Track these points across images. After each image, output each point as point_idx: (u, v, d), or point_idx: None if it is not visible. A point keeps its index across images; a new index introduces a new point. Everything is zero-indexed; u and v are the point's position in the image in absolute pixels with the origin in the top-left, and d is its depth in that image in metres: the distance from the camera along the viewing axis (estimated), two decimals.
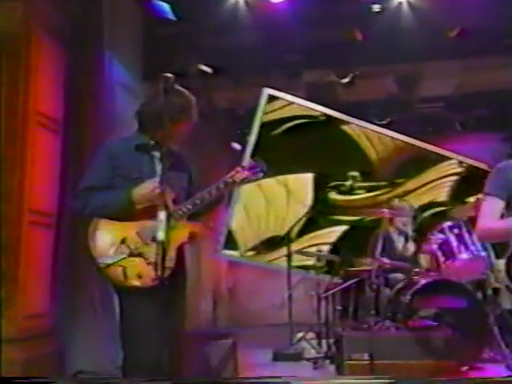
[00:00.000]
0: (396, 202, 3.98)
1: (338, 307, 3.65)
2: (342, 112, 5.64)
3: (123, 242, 2.10)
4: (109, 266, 2.09)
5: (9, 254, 3.44)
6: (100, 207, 2.13)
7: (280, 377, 2.66)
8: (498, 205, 2.13)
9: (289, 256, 3.90)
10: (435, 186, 5.31)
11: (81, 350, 3.72)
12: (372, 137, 5.45)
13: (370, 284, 3.37)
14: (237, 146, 6.26)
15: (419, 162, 5.44)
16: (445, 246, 3.37)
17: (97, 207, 2.14)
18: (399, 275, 3.61)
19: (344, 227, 5.34)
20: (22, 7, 3.59)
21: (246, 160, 5.19)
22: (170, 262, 2.08)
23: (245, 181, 2.23)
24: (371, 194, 5.31)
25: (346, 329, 3.38)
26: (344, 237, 5.31)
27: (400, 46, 4.71)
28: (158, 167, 2.19)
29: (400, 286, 3.44)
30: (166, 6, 4.62)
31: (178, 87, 2.23)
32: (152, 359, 2.03)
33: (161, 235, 1.84)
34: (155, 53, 5.00)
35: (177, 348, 2.20)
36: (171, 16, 4.67)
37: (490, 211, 2.15)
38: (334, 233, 5.35)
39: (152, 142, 2.23)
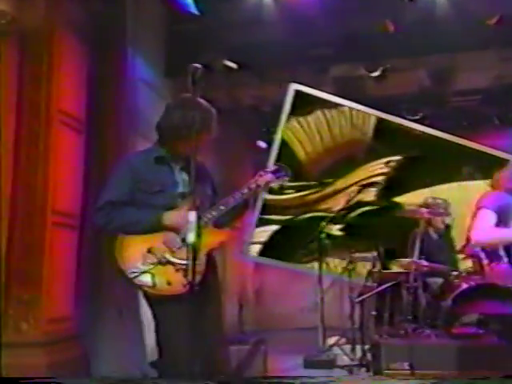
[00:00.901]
0: (433, 200, 3.71)
1: (373, 312, 3.43)
2: (371, 107, 5.42)
3: (149, 251, 2.07)
4: (138, 275, 2.05)
5: (32, 256, 3.39)
6: (125, 225, 2.11)
7: (315, 377, 2.52)
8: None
9: (320, 258, 3.70)
10: (363, 185, 5.38)
11: (106, 354, 3.64)
12: (302, 137, 5.44)
13: (407, 288, 3.15)
14: (262, 144, 6.11)
15: (347, 162, 5.46)
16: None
17: (121, 225, 2.11)
18: (438, 278, 3.37)
19: (275, 227, 5.42)
20: (44, 4, 3.54)
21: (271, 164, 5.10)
22: (200, 267, 2.01)
23: (269, 185, 2.23)
24: (301, 193, 5.33)
25: (383, 336, 3.17)
26: (274, 236, 5.43)
27: (434, 36, 4.47)
28: (179, 178, 2.19)
29: (439, 290, 3.21)
30: (188, 0, 4.51)
31: (198, 99, 2.16)
32: (189, 365, 1.96)
33: (191, 237, 1.76)
34: (178, 49, 4.90)
35: (215, 352, 2.13)
36: (194, 10, 4.56)
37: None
38: (265, 232, 5.41)
39: (171, 154, 2.21)
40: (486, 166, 4.94)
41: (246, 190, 2.19)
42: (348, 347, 3.86)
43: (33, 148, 3.47)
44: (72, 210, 3.69)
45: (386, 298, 3.38)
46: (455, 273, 3.33)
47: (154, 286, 2.04)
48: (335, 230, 5.25)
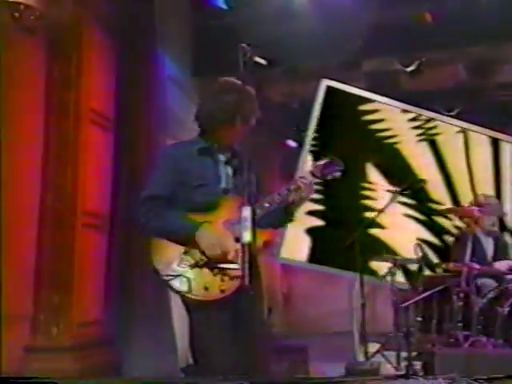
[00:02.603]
0: (484, 198, 3.43)
1: (418, 318, 3.18)
2: (405, 103, 5.20)
3: (186, 252, 1.94)
4: (173, 278, 1.91)
5: (62, 258, 3.30)
6: (160, 231, 1.98)
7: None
8: None
9: (362, 261, 3.49)
10: None
11: (137, 359, 3.52)
12: None
13: (457, 292, 2.92)
14: (291, 143, 5.95)
15: None
16: None
17: (157, 229, 1.99)
18: (489, 282, 3.12)
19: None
20: (72, 1, 3.44)
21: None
22: (238, 272, 1.87)
23: (317, 180, 2.05)
24: None
25: (436, 344, 2.94)
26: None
27: (474, 25, 4.24)
28: (223, 172, 2.05)
29: (492, 294, 2.96)
30: None
31: (234, 81, 2.01)
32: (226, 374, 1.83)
33: (247, 236, 1.56)
34: (205, 46, 4.78)
35: (259, 360, 1.97)
36: (223, 5, 4.42)
37: None
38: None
39: (215, 145, 2.06)
40: None
41: (293, 186, 2.00)
42: (389, 355, 3.62)
43: (62, 147, 3.39)
44: (101, 210, 3.60)
45: (433, 304, 3.14)
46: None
47: (189, 290, 1.90)
48: None
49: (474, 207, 3.12)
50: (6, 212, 3.00)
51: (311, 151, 4.87)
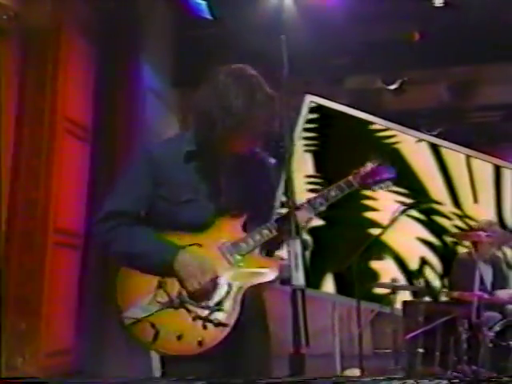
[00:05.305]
0: (488, 224, 3.26)
1: (420, 349, 2.97)
2: (387, 120, 5.18)
3: (160, 286, 1.47)
4: (138, 321, 1.45)
5: (31, 280, 3.02)
6: (125, 257, 1.51)
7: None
8: None
9: (358, 286, 3.32)
10: None
11: None
12: None
13: (462, 323, 2.76)
14: (272, 160, 5.81)
15: None
16: None
17: (122, 255, 1.52)
18: (494, 314, 2.97)
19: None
20: (50, 2, 3.22)
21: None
22: (229, 315, 1.44)
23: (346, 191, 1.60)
24: None
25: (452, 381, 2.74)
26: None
27: (459, 46, 4.28)
28: (224, 184, 1.53)
29: (499, 327, 2.82)
30: (202, 5, 4.24)
31: (253, 73, 1.52)
32: None
33: (300, 279, 1.12)
34: (187, 57, 4.63)
35: None
36: (207, 15, 4.28)
37: None
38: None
39: (213, 150, 1.52)
40: None
41: (319, 200, 1.57)
42: None
43: (34, 158, 3.14)
44: (75, 228, 3.34)
45: (436, 334, 2.93)
46: None
47: (155, 339, 1.43)
48: None
49: (481, 232, 2.99)
50: None
51: (310, 151, 4.68)
